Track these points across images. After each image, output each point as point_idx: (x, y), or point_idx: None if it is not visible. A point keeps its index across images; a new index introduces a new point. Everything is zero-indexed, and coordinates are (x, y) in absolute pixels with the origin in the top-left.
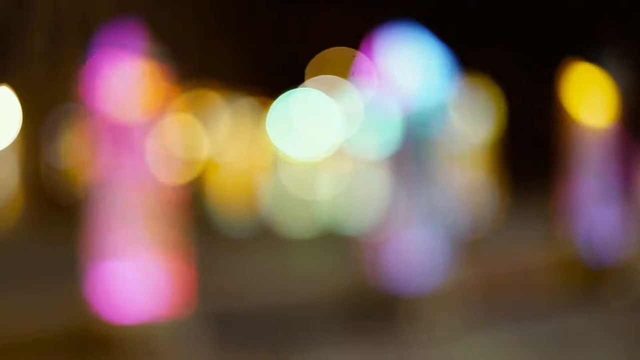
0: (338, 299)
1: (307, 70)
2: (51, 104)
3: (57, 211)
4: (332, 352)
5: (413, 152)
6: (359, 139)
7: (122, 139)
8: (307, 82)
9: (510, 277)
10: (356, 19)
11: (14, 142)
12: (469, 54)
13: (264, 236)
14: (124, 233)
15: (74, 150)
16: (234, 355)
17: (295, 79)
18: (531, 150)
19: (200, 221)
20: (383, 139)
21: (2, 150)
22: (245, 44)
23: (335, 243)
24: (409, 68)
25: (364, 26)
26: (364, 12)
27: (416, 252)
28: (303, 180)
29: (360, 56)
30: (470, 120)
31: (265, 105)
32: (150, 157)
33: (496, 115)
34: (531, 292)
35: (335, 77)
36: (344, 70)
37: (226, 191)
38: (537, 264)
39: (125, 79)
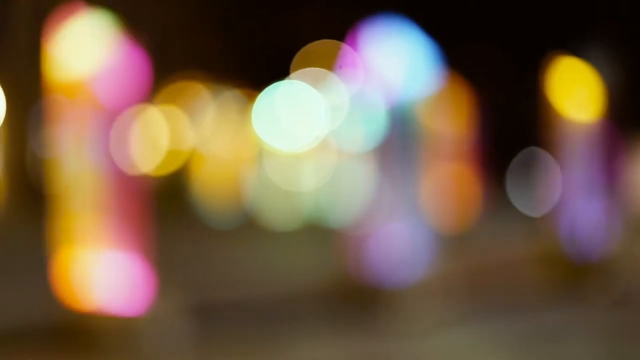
0: (321, 290)
1: (293, 62)
2: (37, 94)
3: (42, 201)
4: (316, 343)
5: (397, 145)
6: (344, 131)
7: (104, 129)
8: (292, 74)
9: (493, 271)
10: (342, 12)
11: None
12: (454, 47)
13: (248, 228)
14: (103, 224)
15: (57, 141)
16: (217, 348)
17: (281, 72)
18: (517, 144)
19: (185, 212)
20: (368, 131)
21: None
22: (231, 36)
23: (319, 235)
24: (394, 61)
25: (350, 19)
26: (349, 5)
27: (399, 245)
28: (288, 172)
29: (346, 49)
30: (454, 114)
31: (251, 97)
32: (132, 148)
33: (481, 108)
34: (514, 286)
35: (321, 69)
36: (329, 63)
37: (211, 182)
38: (520, 258)
39: (112, 70)
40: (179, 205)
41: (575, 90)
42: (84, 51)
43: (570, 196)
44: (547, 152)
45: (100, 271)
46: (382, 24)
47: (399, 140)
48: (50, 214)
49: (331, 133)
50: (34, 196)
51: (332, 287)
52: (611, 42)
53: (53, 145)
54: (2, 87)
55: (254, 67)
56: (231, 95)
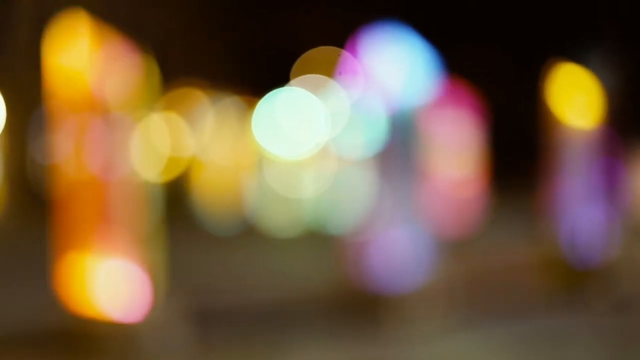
0: (322, 297)
1: (293, 69)
2: (38, 100)
3: (43, 207)
4: (316, 350)
5: (398, 151)
6: (344, 137)
7: (105, 135)
8: (292, 81)
9: (494, 276)
10: (342, 18)
11: None
12: (454, 53)
13: (248, 234)
14: (104, 230)
15: (57, 147)
16: (217, 353)
17: (280, 78)
18: (516, 150)
19: (185, 219)
20: (368, 138)
21: None
22: (231, 43)
23: (320, 241)
24: (394, 67)
25: (350, 25)
26: (349, 11)
27: (400, 251)
28: (288, 179)
29: (345, 55)
30: (454, 119)
31: (251, 104)
32: (133, 155)
33: (482, 114)
34: (514, 291)
35: (321, 76)
36: (329, 70)
37: (211, 189)
38: (521, 264)
39: (111, 77)
40: (179, 212)
41: (575, 97)
42: (85, 57)
43: (570, 202)
44: (548, 157)
45: (101, 277)
46: (382, 31)
47: (400, 147)
48: (51, 220)
49: (331, 140)
50: (34, 202)
51: (333, 293)
52: (611, 48)
53: (54, 152)
54: (3, 93)
55: (253, 73)
56: (231, 102)
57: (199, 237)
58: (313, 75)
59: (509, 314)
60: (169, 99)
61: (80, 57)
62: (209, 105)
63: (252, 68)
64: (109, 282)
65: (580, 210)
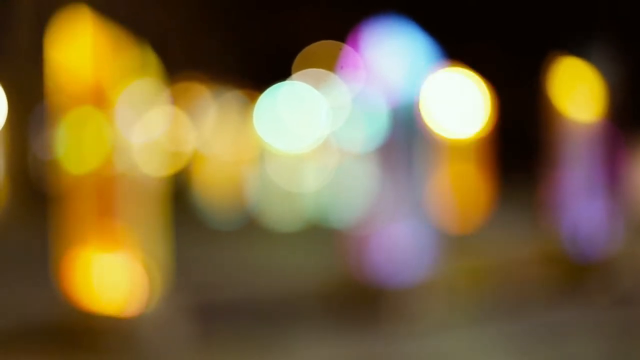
0: (324, 291)
1: (294, 63)
2: (39, 95)
3: (44, 202)
4: (318, 344)
5: (399, 145)
6: (346, 131)
7: (107, 131)
8: (294, 75)
9: (496, 271)
10: (343, 13)
11: (0, 134)
12: (456, 47)
13: (250, 228)
14: (108, 225)
15: (59, 142)
16: (219, 348)
17: (282, 72)
18: (518, 144)
19: (187, 213)
20: (369, 131)
21: None
22: (233, 37)
23: (321, 235)
24: (395, 61)
25: (351, 20)
26: (351, 5)
27: (402, 245)
28: (289, 173)
29: (347, 50)
30: (456, 114)
31: (253, 98)
32: (134, 149)
33: (483, 108)
34: (517, 286)
35: (323, 70)
36: (331, 64)
37: (213, 183)
38: (523, 258)
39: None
40: (181, 206)
41: (576, 91)
42: (87, 52)
43: (572, 196)
44: (549, 152)
45: (104, 272)
46: (383, 25)
47: (401, 141)
48: (53, 216)
49: (333, 134)
50: (36, 197)
51: (335, 287)
52: (613, 42)
53: (55, 147)
54: (4, 88)
55: (255, 68)
56: (233, 96)
57: (201, 231)
58: (315, 70)
59: (511, 308)
60: (171, 93)
61: (81, 52)
62: (211, 100)
63: (254, 62)
64: (111, 277)
65: (582, 204)
